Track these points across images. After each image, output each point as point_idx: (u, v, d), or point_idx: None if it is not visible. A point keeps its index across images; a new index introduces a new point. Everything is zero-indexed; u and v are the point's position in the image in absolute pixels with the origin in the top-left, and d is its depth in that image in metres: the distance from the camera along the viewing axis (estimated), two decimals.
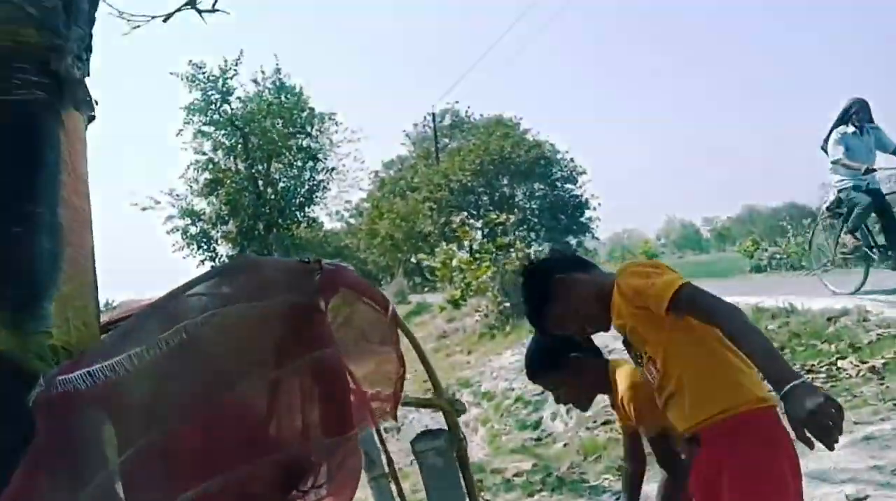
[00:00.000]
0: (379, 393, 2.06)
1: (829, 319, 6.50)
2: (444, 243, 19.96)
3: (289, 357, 1.61)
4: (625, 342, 2.22)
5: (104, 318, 2.17)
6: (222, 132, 28.43)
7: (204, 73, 27.43)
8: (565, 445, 6.31)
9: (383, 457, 2.28)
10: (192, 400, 1.51)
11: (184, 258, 27.91)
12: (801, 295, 7.44)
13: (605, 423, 6.32)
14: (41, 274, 1.58)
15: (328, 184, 30.22)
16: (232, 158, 28.75)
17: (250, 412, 1.69)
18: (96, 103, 1.85)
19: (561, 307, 2.23)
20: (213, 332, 1.45)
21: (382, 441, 2.28)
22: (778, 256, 17.09)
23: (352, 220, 36.12)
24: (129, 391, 1.42)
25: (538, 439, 7.83)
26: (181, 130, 27.74)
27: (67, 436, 1.33)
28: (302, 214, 29.96)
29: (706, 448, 2.00)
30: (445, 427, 1.70)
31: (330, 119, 29.44)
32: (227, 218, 27.98)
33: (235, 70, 27.60)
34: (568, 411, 8.23)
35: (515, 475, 5.78)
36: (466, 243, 16.76)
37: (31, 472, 1.30)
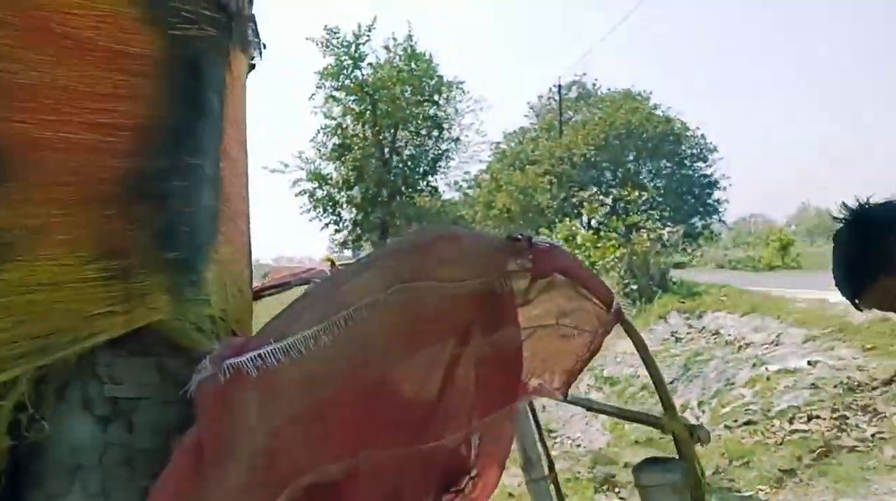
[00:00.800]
0: (541, 386, 1.85)
1: None
2: (566, 218, 19.47)
3: (471, 337, 1.41)
4: None
5: (255, 284, 2.03)
6: (352, 98, 28.78)
7: (338, 38, 27.76)
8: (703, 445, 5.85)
9: (544, 459, 2.04)
10: (354, 374, 1.33)
11: (310, 221, 28.68)
12: None
13: (746, 423, 5.83)
14: (200, 235, 1.40)
15: (452, 153, 30.14)
16: (360, 124, 29.08)
17: (416, 396, 1.53)
18: (264, 46, 1.66)
19: None
20: (395, 310, 1.24)
21: (544, 443, 2.05)
22: None
23: (469, 191, 35.94)
24: (295, 371, 1.25)
25: None
26: (313, 94, 28.32)
27: (231, 422, 1.16)
28: (425, 183, 30.05)
29: None
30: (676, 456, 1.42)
31: (458, 87, 29.23)
32: (352, 183, 28.40)
33: (368, 36, 27.76)
34: (699, 405, 7.76)
35: None
36: (586, 219, 16.23)
37: (193, 456, 1.14)
